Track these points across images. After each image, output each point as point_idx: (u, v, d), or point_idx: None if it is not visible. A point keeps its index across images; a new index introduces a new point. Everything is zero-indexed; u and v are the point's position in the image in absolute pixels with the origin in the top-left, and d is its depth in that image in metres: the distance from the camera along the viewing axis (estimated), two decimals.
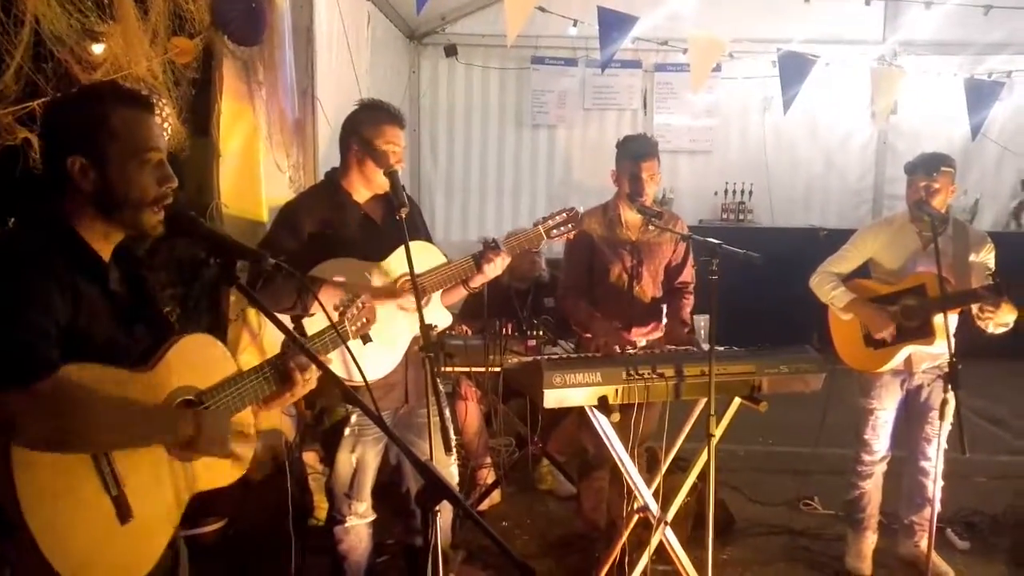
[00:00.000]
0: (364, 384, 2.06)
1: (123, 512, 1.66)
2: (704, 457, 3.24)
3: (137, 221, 1.78)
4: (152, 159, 1.77)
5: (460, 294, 3.19)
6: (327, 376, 1.90)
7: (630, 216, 3.74)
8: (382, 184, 2.97)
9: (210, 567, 3.47)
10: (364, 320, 2.57)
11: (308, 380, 2.04)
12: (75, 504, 1.60)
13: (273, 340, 3.38)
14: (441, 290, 3.06)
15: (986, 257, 3.71)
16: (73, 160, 1.73)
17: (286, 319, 2.28)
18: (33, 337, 1.57)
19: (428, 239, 3.15)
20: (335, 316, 2.39)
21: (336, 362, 2.60)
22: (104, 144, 1.73)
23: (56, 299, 1.64)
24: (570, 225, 3.20)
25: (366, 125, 2.99)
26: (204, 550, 3.44)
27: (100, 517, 1.64)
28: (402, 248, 2.75)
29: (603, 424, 3.22)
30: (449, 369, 4.07)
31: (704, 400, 3.19)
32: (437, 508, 1.72)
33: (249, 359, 3.45)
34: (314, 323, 2.64)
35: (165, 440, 1.75)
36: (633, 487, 3.37)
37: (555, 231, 3.19)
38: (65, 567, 1.55)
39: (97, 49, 2.95)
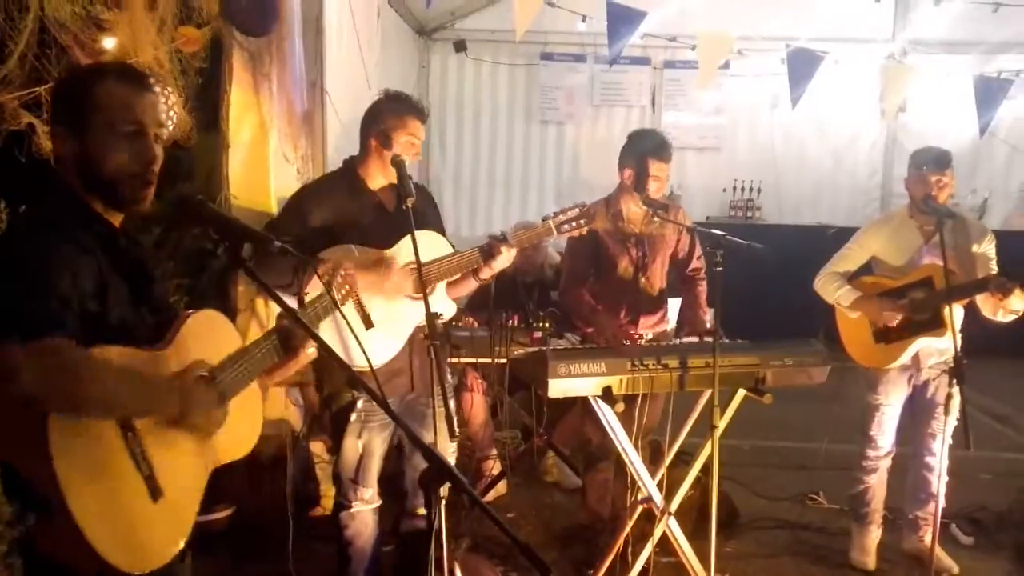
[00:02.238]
0: (369, 369, 2.07)
1: (154, 490, 1.66)
2: (708, 448, 3.25)
3: (115, 194, 1.76)
4: (131, 132, 1.74)
5: (470, 286, 3.19)
6: (332, 359, 1.92)
7: (633, 210, 3.74)
8: None
9: (219, 553, 3.50)
10: (347, 288, 2.59)
11: (308, 351, 2.08)
12: (111, 483, 1.59)
13: None
14: (446, 281, 3.06)
15: (987, 248, 3.72)
16: (57, 131, 1.75)
17: (292, 302, 2.32)
18: (49, 299, 1.57)
19: (440, 231, 3.15)
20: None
21: (337, 346, 2.62)
22: (86, 115, 1.72)
23: (83, 266, 1.65)
24: (582, 221, 3.16)
25: (389, 115, 3.00)
26: (213, 536, 3.48)
27: (135, 495, 1.63)
28: (409, 236, 2.76)
29: (607, 415, 3.22)
30: (455, 360, 4.08)
31: (708, 392, 3.20)
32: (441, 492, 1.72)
33: None
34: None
35: (160, 414, 1.71)
36: (637, 478, 3.37)
37: (565, 226, 3.16)
38: (103, 546, 1.54)
39: (106, 41, 2.97)
